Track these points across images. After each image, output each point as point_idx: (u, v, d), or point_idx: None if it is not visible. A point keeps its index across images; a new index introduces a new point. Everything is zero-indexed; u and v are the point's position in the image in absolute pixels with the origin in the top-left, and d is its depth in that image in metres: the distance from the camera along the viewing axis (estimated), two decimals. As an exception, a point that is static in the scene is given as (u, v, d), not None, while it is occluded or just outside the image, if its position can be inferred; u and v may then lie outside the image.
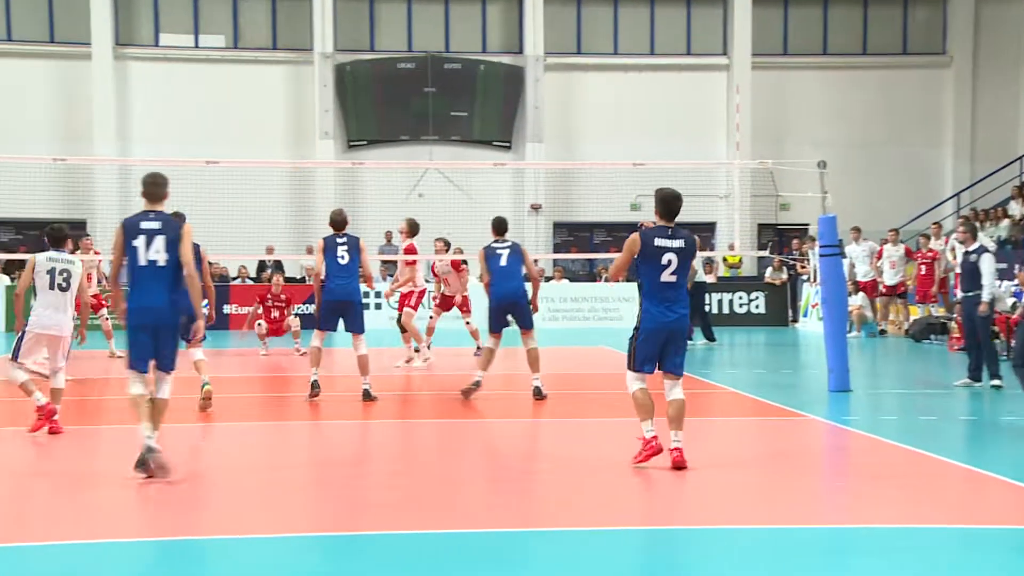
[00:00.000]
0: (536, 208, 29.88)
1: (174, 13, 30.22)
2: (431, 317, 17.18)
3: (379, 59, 30.43)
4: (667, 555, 6.33)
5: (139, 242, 7.86)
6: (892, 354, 19.39)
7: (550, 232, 30.53)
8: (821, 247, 13.42)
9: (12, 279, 25.94)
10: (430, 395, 13.72)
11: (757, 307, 26.36)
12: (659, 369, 8.38)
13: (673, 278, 8.20)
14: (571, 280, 27.78)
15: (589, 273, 29.73)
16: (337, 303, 12.06)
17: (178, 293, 8.00)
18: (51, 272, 9.69)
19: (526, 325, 12.26)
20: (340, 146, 29.93)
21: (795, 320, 26.08)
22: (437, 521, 6.87)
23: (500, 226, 12.78)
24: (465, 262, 17.28)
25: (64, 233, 10.03)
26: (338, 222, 12.35)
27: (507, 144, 30.59)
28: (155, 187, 8.15)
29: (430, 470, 8.68)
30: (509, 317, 12.41)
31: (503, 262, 12.37)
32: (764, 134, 29.76)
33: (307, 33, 30.00)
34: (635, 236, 8.19)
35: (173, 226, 7.98)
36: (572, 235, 31.24)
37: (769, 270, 27.02)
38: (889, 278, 22.67)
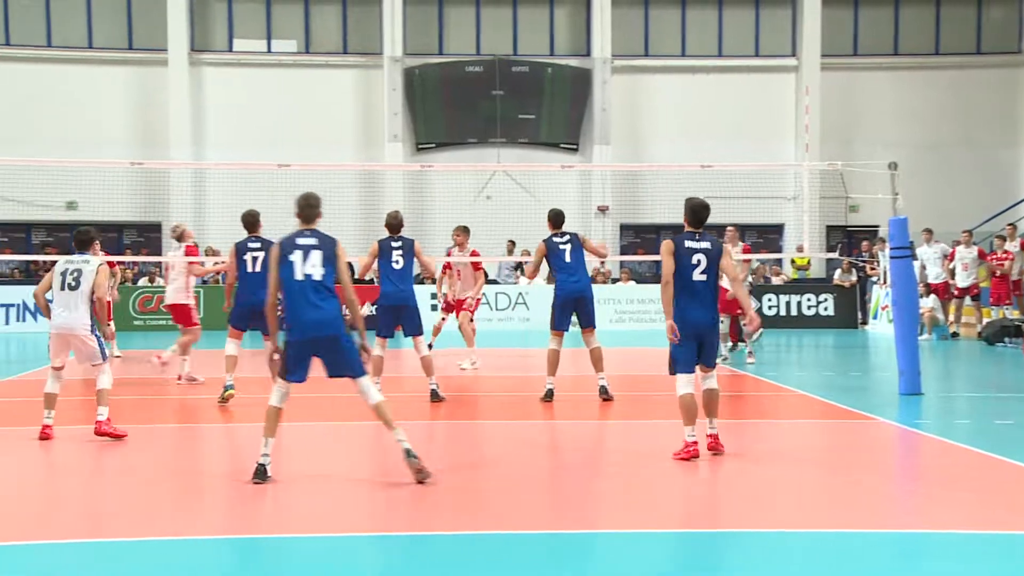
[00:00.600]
0: (603, 210, 29.81)
1: (247, 19, 30.65)
2: (442, 319, 16.78)
3: (447, 62, 30.56)
4: (736, 558, 6.27)
5: (295, 257, 7.89)
6: (964, 357, 19.02)
7: (617, 234, 30.43)
8: (892, 249, 13.20)
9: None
10: (497, 396, 13.71)
11: (826, 309, 26.07)
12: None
13: (703, 277, 8.68)
14: (637, 282, 27.67)
15: (656, 275, 29.52)
16: (392, 308, 12.04)
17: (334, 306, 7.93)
18: (63, 272, 9.73)
19: (589, 324, 12.20)
20: (409, 149, 30.11)
21: (864, 322, 25.73)
22: (495, 522, 6.88)
23: (557, 219, 12.62)
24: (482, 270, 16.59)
25: (89, 236, 10.04)
26: (393, 225, 12.27)
27: (574, 146, 30.56)
28: (308, 208, 8.26)
29: (498, 470, 8.69)
30: (573, 317, 12.30)
31: (567, 258, 12.25)
32: (833, 135, 29.40)
33: (377, 37, 30.25)
34: (669, 241, 8.73)
35: (329, 243, 8.03)
36: (638, 237, 31.11)
37: (838, 272, 26.69)
38: (962, 280, 22.28)
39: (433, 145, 30.37)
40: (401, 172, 28.73)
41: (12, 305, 24.85)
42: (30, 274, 28.26)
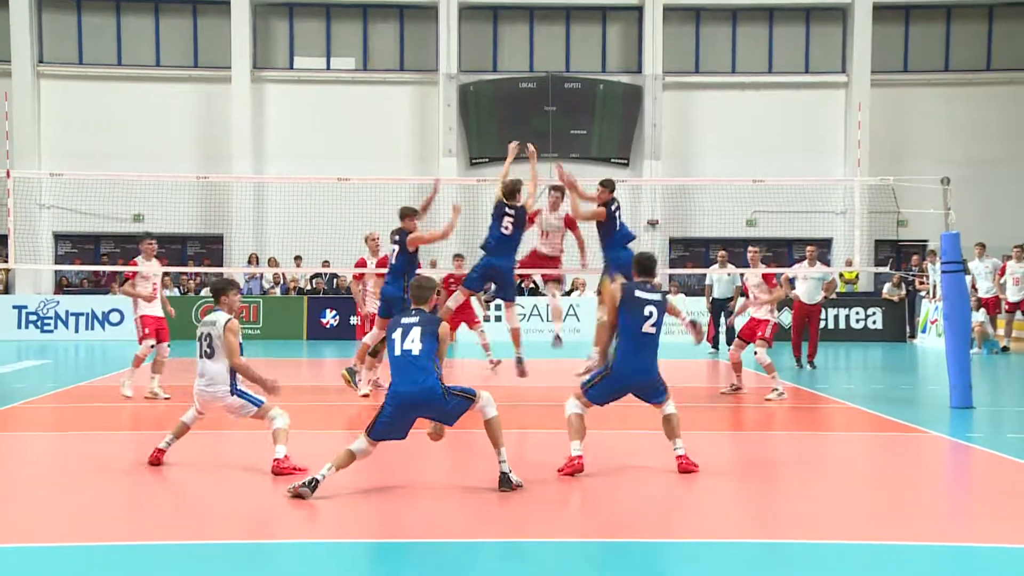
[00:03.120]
0: (653, 224, 29.69)
1: (308, 38, 30.95)
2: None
3: (501, 79, 30.64)
4: (790, 568, 6.18)
5: (397, 335, 7.84)
6: (1016, 371, 18.68)
7: (666, 248, 30.29)
8: (944, 263, 13.01)
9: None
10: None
11: (874, 323, 25.74)
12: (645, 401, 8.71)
13: (652, 330, 8.48)
14: (687, 295, 27.47)
15: (703, 286, 29.35)
16: (493, 269, 12.72)
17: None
18: (199, 338, 8.81)
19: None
20: (463, 163, 30.21)
21: (912, 336, 25.37)
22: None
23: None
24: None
25: (221, 286, 8.99)
26: (511, 191, 12.77)
27: (625, 161, 30.47)
28: (419, 290, 8.12)
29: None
30: None
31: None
32: (883, 151, 29.04)
33: (433, 55, 30.40)
34: (617, 285, 8.67)
35: (431, 320, 7.92)
36: (688, 250, 30.95)
37: (888, 286, 26.34)
38: (1013, 295, 21.93)
39: (486, 159, 30.43)
40: (455, 186, 28.76)
41: (82, 314, 25.24)
42: (98, 284, 28.71)
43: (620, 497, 7.85)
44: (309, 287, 27.40)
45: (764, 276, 14.17)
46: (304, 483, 7.49)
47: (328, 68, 30.84)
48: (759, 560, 6.35)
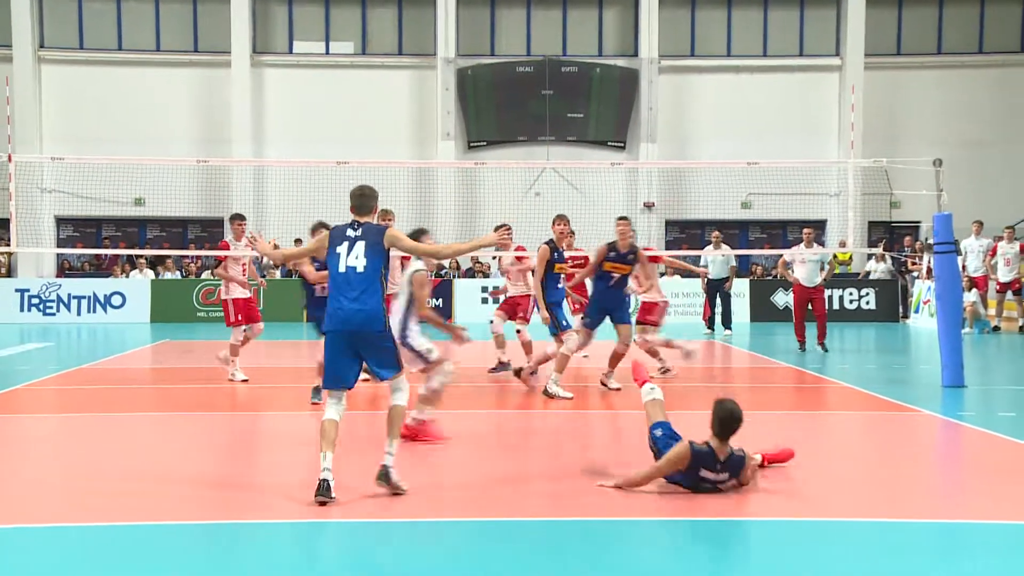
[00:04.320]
0: (649, 206, 29.67)
1: (307, 22, 30.84)
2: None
3: (499, 63, 30.56)
4: (782, 547, 6.20)
5: (342, 248, 7.30)
6: (1007, 350, 18.71)
7: (663, 229, 30.29)
8: (936, 244, 13.00)
9: (157, 275, 26.84)
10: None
11: (867, 303, 25.76)
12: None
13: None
14: (683, 276, 27.47)
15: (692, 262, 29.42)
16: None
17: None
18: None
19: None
20: (461, 146, 30.16)
21: (905, 316, 25.40)
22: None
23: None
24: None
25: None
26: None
27: (621, 144, 30.43)
28: (361, 199, 7.76)
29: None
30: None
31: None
32: (876, 133, 29.02)
33: (431, 39, 30.30)
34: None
35: (375, 232, 7.41)
36: (684, 232, 30.94)
37: (872, 262, 26.37)
38: (1003, 275, 21.96)
39: (484, 143, 30.39)
40: (453, 169, 28.77)
41: (84, 297, 25.20)
42: (100, 267, 28.68)
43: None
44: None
45: (650, 257, 13.79)
46: (320, 491, 6.78)
47: (327, 52, 30.74)
48: (751, 538, 6.38)
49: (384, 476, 7.00)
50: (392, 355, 7.24)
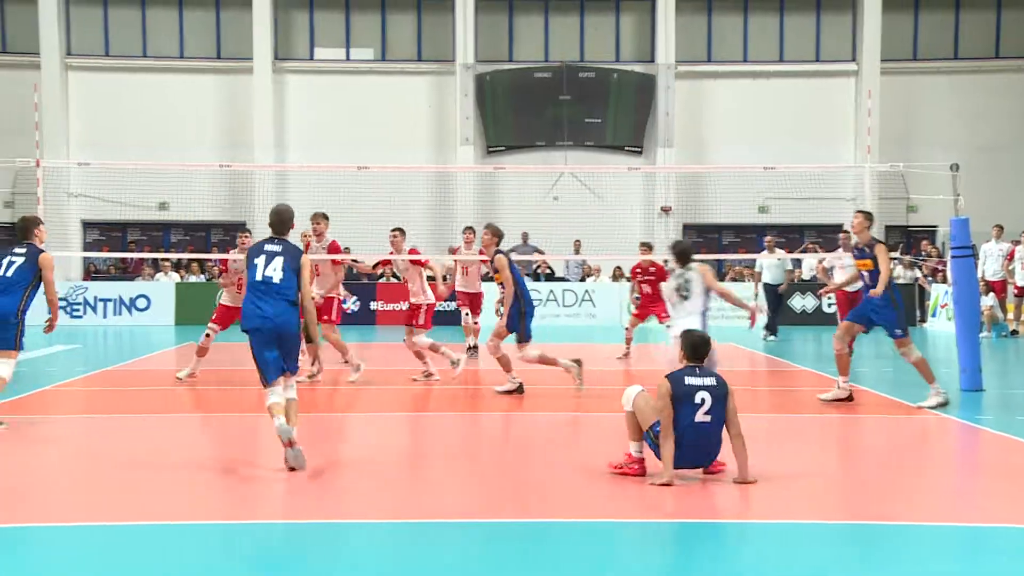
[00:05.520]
0: (666, 211, 29.63)
1: (328, 29, 30.95)
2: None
3: (517, 69, 30.58)
4: (800, 550, 6.18)
5: (259, 260, 8.14)
6: (1024, 355, 18.61)
7: (680, 234, 30.18)
8: (953, 248, 12.96)
9: (182, 278, 26.97)
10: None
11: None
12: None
13: (707, 418, 7.37)
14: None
15: (718, 273, 29.36)
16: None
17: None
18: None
19: None
20: (479, 151, 30.19)
21: (923, 320, 25.26)
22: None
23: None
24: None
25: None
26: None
27: (638, 149, 30.41)
28: (279, 216, 8.48)
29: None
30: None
31: None
32: (892, 138, 28.87)
33: (449, 45, 30.36)
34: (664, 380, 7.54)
35: (294, 253, 8.24)
36: (701, 236, 30.85)
37: (899, 268, 26.25)
38: (1021, 279, 21.81)
39: (503, 148, 30.41)
40: (472, 173, 28.81)
41: (110, 300, 25.36)
42: (126, 271, 28.84)
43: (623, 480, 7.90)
44: (330, 273, 27.39)
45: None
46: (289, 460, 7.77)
47: (347, 59, 30.84)
48: (768, 541, 6.37)
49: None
50: (298, 351, 8.37)
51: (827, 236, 30.33)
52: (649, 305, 16.19)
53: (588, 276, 27.24)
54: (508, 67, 30.63)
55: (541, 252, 26.24)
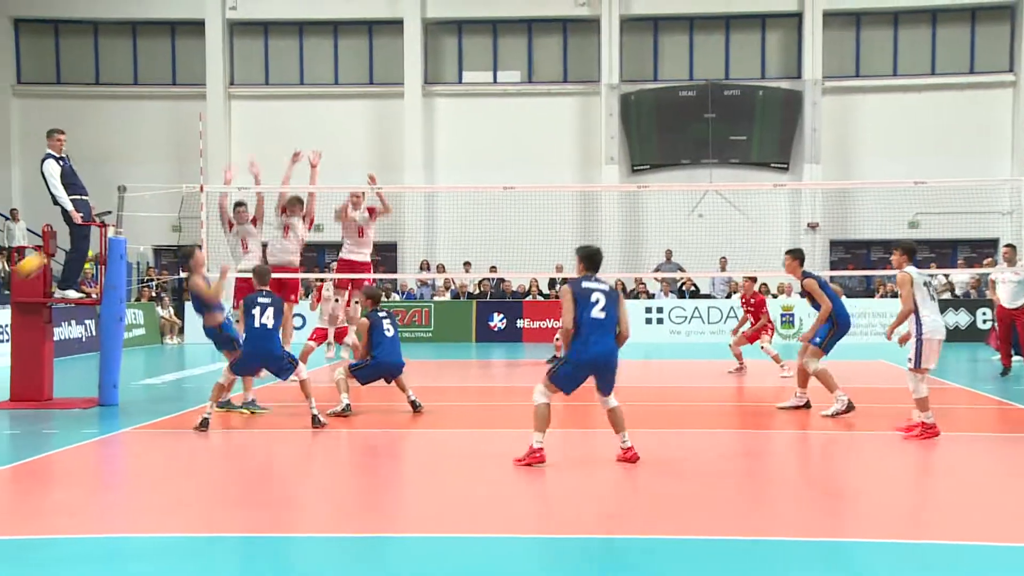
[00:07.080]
0: (813, 227, 28.98)
1: (476, 53, 31.46)
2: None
3: (662, 88, 30.46)
4: (928, 569, 5.95)
5: (256, 311, 11.03)
6: None
7: (827, 250, 29.53)
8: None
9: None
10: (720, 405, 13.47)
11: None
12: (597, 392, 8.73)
13: (602, 315, 8.50)
14: (848, 296, 26.70)
15: (866, 289, 28.55)
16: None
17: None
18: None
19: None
20: (624, 170, 30.17)
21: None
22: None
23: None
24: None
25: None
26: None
27: (785, 165, 29.85)
28: (262, 277, 11.69)
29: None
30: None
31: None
32: (1053, 149, 27.60)
33: (595, 66, 30.48)
34: (566, 286, 8.69)
35: (279, 302, 11.23)
36: (848, 252, 30.07)
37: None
38: None
39: (647, 166, 30.30)
40: (617, 193, 28.82)
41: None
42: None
43: (605, 492, 7.80)
44: (477, 291, 27.82)
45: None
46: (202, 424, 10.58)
47: (495, 81, 31.28)
48: (902, 560, 6.15)
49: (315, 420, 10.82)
50: (284, 366, 11.19)
51: (981, 251, 29.18)
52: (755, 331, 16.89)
53: (734, 293, 26.84)
54: (653, 86, 30.55)
55: (682, 270, 26.00)
